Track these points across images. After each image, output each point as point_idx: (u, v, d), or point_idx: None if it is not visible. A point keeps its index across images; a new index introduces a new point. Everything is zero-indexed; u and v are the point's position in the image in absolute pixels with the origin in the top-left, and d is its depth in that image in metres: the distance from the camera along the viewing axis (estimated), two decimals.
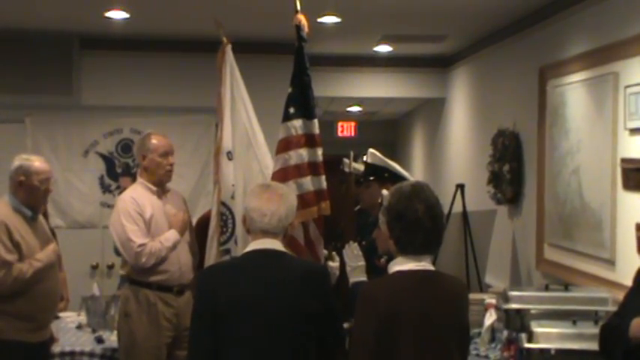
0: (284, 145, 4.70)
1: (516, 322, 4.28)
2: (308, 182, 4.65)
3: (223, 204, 4.81)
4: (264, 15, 6.83)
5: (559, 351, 4.02)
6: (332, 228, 4.89)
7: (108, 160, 8.18)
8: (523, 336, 4.14)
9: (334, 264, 4.70)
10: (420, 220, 3.04)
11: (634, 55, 4.77)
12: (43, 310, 4.77)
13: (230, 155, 4.85)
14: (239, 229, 4.67)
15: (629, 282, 3.72)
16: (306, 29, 4.71)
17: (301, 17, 4.72)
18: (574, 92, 5.57)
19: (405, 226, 3.05)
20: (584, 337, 3.97)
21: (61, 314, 5.72)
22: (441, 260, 4.13)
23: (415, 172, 11.06)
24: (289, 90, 4.74)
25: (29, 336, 4.67)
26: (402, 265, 3.08)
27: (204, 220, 5.24)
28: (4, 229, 4.58)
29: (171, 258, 4.93)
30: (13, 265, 4.56)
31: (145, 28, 7.62)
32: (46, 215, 5.36)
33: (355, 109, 11.92)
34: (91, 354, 5.20)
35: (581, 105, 5.46)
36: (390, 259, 3.17)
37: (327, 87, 8.57)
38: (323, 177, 4.70)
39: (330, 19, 6.89)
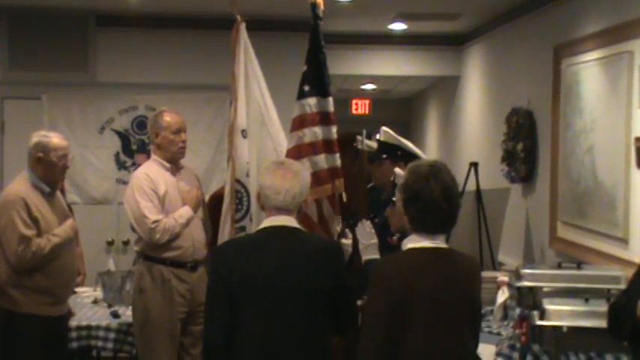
0: (298, 123, 4.71)
1: (529, 299, 4.29)
2: (322, 160, 4.66)
3: (238, 182, 4.84)
4: None
5: (571, 328, 4.04)
6: (345, 205, 4.90)
7: (123, 136, 8.18)
8: (535, 313, 4.15)
9: (347, 241, 4.71)
10: (436, 201, 3.04)
11: None
12: (61, 285, 4.82)
13: (244, 133, 4.86)
14: (254, 207, 4.70)
15: None
16: (321, 7, 4.71)
17: None
18: (588, 71, 5.55)
19: (420, 206, 3.06)
20: (597, 315, 3.99)
21: (78, 289, 5.77)
22: (454, 238, 4.13)
23: (429, 150, 11.04)
24: (304, 68, 4.75)
25: (47, 310, 4.73)
26: (415, 242, 3.10)
27: (217, 197, 5.26)
28: (23, 205, 4.63)
29: (185, 234, 4.97)
30: (32, 240, 4.62)
31: (160, 5, 7.62)
32: (63, 191, 5.40)
33: (369, 86, 11.90)
34: (107, 328, 5.26)
35: (595, 84, 5.44)
36: (403, 237, 3.19)
37: (341, 65, 8.54)
38: (337, 155, 4.71)
39: None
